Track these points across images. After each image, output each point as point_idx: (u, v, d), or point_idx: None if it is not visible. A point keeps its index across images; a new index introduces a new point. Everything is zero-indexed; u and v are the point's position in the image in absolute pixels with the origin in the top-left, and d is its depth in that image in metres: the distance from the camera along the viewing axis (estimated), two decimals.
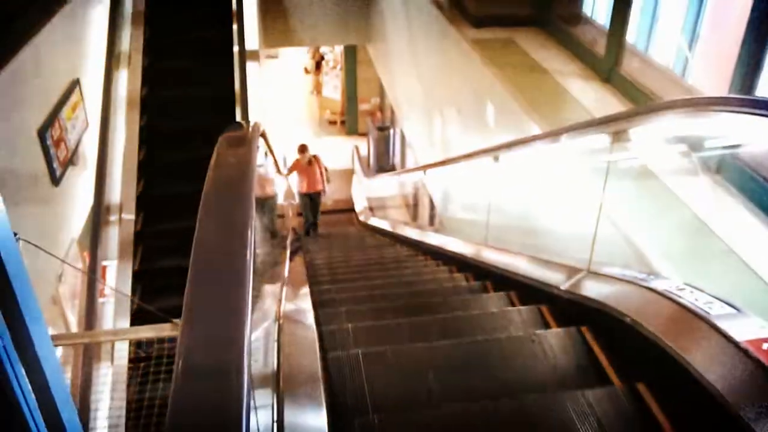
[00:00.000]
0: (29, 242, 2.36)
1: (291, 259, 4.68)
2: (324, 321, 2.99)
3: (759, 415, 1.65)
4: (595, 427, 1.98)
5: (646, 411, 2.04)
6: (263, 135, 1.90)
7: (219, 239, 1.08)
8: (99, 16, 6.41)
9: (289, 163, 9.75)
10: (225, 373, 0.86)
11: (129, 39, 6.92)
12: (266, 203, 4.77)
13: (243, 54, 6.70)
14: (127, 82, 6.61)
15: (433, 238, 6.08)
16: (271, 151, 2.60)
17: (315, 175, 9.44)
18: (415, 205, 9.93)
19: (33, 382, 0.96)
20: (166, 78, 6.64)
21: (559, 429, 1.98)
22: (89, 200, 5.69)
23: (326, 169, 9.60)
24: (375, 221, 9.64)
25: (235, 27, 6.96)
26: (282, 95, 16.49)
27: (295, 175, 9.41)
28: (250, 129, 1.54)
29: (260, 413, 1.71)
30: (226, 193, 1.19)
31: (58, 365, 1.06)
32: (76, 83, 5.41)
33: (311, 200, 9.65)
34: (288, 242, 5.54)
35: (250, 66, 6.98)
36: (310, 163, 9.29)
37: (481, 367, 2.42)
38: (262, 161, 2.39)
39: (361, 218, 10.39)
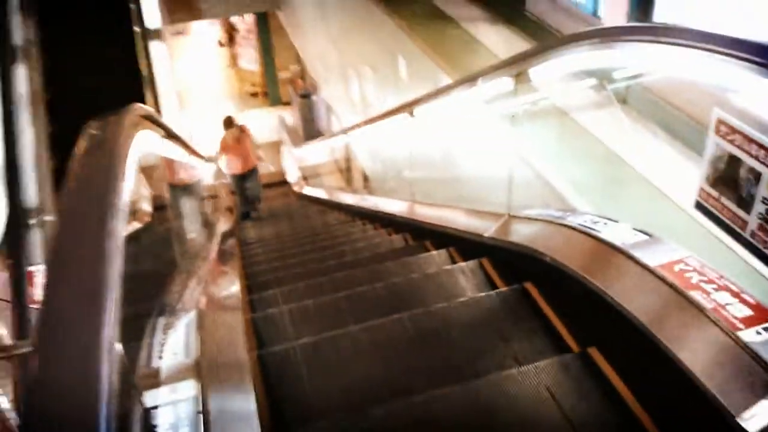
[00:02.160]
0: None
1: (223, 242, 4.57)
2: (258, 306, 2.93)
3: (676, 337, 1.69)
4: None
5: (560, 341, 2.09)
6: (150, 118, 1.80)
7: (75, 246, 1.01)
8: None
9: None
10: (79, 383, 0.81)
11: (21, 31, 6.51)
12: (186, 190, 4.45)
13: (145, 34, 6.41)
14: (26, 77, 6.24)
15: (366, 201, 6.06)
16: (171, 134, 2.47)
17: (246, 150, 8.06)
18: (348, 170, 9.87)
19: None
20: (67, 71, 6.30)
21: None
22: (4, 206, 5.41)
23: (257, 146, 8.43)
24: (309, 190, 9.52)
25: (132, 6, 6.64)
26: (198, 72, 15.97)
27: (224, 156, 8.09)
28: (123, 116, 1.44)
29: (183, 405, 1.66)
30: (83, 198, 1.12)
31: None
32: None
33: (246, 180, 8.31)
34: (219, 225, 5.41)
35: (155, 45, 6.71)
36: (238, 140, 7.93)
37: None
38: (158, 148, 2.28)
39: (296, 189, 10.25)
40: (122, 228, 1.10)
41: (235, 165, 8.09)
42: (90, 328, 0.90)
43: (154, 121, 1.90)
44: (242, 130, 8.02)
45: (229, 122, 7.95)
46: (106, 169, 1.17)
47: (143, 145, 1.73)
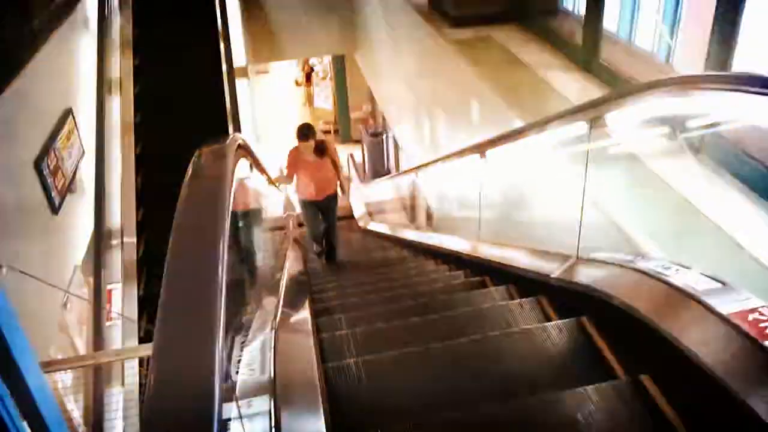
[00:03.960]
0: (23, 272, 2.41)
1: (292, 274, 4.70)
2: (323, 329, 3.03)
3: (749, 387, 1.67)
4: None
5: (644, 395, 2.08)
6: (244, 147, 1.95)
7: (190, 259, 1.11)
8: (87, 45, 6.49)
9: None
10: (196, 391, 0.89)
11: (119, 65, 7.01)
12: (249, 217, 4.05)
13: (231, 72, 6.78)
14: (119, 108, 6.70)
15: (431, 238, 6.13)
16: (257, 164, 2.64)
17: (326, 171, 6.01)
18: (412, 207, 9.99)
19: (24, 411, 0.99)
20: (158, 101, 6.72)
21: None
22: (90, 226, 5.76)
23: (339, 166, 6.29)
24: (374, 225, 9.67)
25: (222, 46, 7.05)
26: (275, 109, 16.58)
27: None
28: (227, 142, 1.59)
29: (258, 420, 1.76)
30: (198, 211, 1.23)
31: (49, 393, 1.11)
32: (68, 112, 5.47)
33: (320, 211, 6.35)
34: (288, 256, 5.57)
35: (240, 83, 7.08)
36: (320, 153, 5.82)
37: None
38: (247, 174, 2.44)
39: (361, 224, 10.43)
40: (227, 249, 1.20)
41: (308, 188, 6.10)
42: (203, 345, 0.96)
43: (248, 151, 2.06)
44: (325, 144, 6.03)
45: (306, 132, 5.76)
46: (217, 195, 1.29)
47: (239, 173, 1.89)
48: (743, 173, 3.01)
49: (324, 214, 6.40)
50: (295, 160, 5.98)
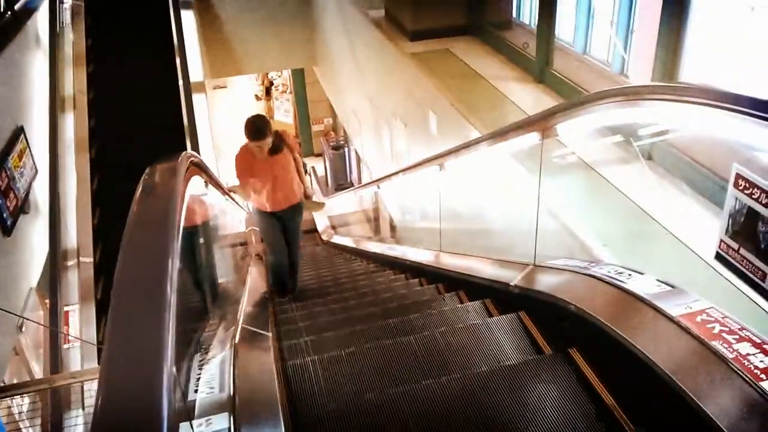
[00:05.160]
0: None
1: (254, 290, 4.65)
2: (286, 350, 3.01)
3: (698, 385, 1.72)
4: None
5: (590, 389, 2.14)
6: (197, 164, 1.94)
7: (138, 278, 1.10)
8: (39, 61, 6.36)
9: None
10: (143, 411, 0.89)
11: (72, 82, 6.90)
12: (206, 233, 3.27)
13: (188, 86, 6.72)
14: (74, 125, 6.58)
15: (394, 250, 6.15)
16: (213, 180, 2.63)
17: (285, 172, 4.55)
18: (376, 219, 10.02)
19: None
20: (113, 117, 6.62)
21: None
22: (45, 247, 5.63)
23: (303, 163, 5.09)
24: (338, 238, 9.66)
25: (178, 61, 6.98)
26: (234, 124, 16.45)
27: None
28: (179, 159, 1.58)
29: None
30: (146, 229, 1.23)
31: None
32: (20, 131, 5.36)
33: (282, 224, 4.83)
34: (250, 271, 5.51)
35: (197, 97, 7.01)
36: (272, 153, 4.40)
37: None
38: (203, 191, 2.43)
39: (324, 237, 10.42)
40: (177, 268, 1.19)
41: (264, 196, 4.61)
42: (152, 362, 0.95)
43: (201, 168, 2.05)
44: (281, 137, 4.57)
45: (260, 127, 4.33)
46: (166, 213, 1.27)
47: (192, 189, 1.88)
48: (692, 179, 3.10)
49: (285, 230, 4.93)
50: (246, 164, 4.49)
